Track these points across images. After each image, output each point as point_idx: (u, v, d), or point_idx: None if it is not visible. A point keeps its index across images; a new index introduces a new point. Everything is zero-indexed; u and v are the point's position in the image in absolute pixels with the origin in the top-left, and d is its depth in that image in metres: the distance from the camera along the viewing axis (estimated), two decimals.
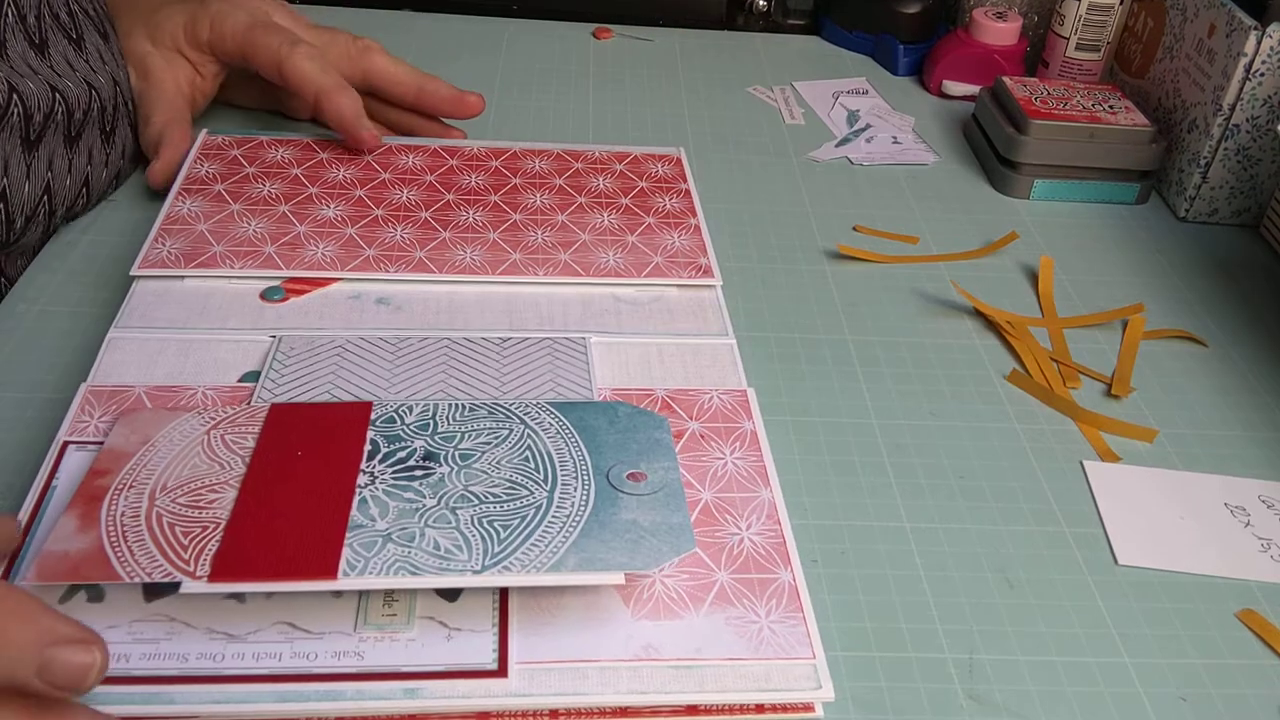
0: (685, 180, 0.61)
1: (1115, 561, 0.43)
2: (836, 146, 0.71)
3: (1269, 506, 0.46)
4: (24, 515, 0.38)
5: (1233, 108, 0.63)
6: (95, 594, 0.36)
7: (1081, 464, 0.48)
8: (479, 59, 0.78)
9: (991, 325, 0.55)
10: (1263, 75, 0.61)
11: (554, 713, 0.35)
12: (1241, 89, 0.62)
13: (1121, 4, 0.73)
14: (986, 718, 0.37)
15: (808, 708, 0.36)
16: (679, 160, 0.63)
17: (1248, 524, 0.45)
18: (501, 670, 0.35)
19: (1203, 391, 0.53)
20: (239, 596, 0.36)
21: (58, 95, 0.53)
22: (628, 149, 0.63)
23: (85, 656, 0.31)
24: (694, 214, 0.58)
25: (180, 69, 0.62)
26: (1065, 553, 0.43)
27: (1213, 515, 0.45)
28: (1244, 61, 0.61)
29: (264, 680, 0.34)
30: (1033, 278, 0.59)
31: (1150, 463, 0.48)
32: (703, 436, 0.44)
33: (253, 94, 0.68)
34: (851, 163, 0.69)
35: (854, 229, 0.62)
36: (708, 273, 0.53)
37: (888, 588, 0.41)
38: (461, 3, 0.84)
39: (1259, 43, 0.61)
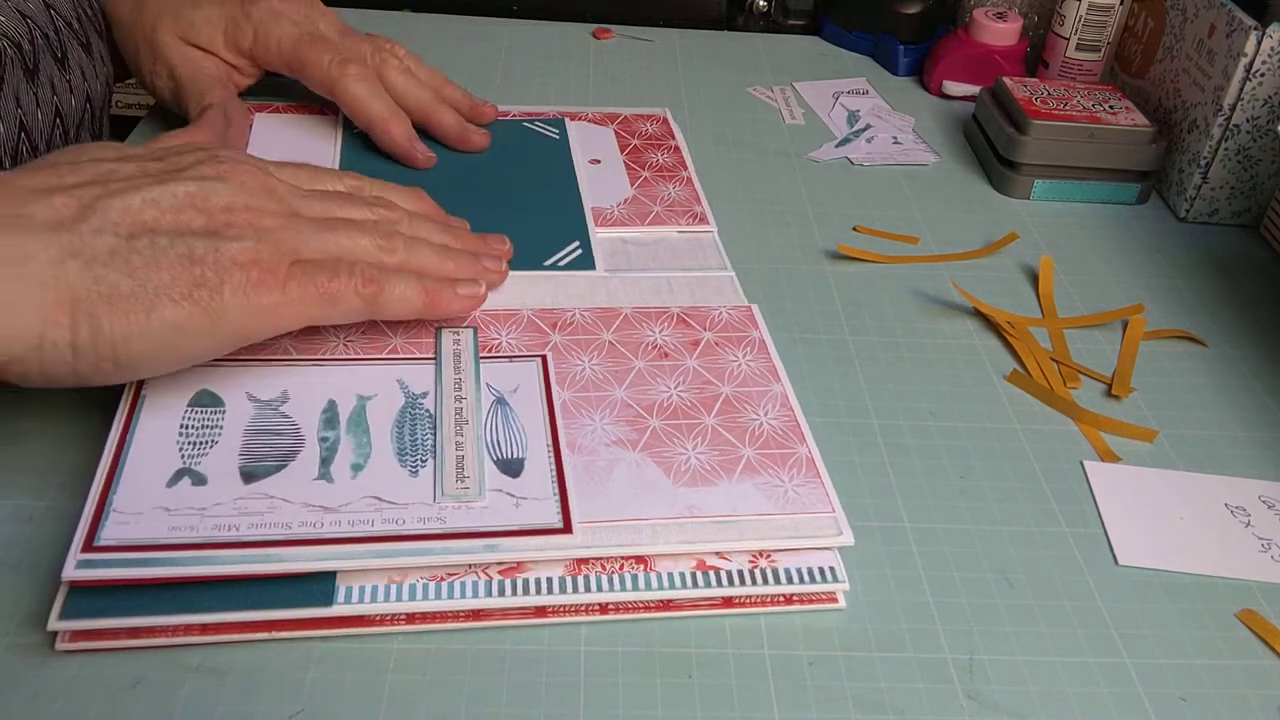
0: (674, 137, 0.66)
1: (1115, 561, 0.43)
2: (836, 146, 0.71)
3: (1269, 506, 0.46)
4: (120, 419, 0.41)
5: (1233, 108, 0.63)
6: (198, 478, 0.39)
7: (1081, 464, 0.48)
8: (479, 59, 0.78)
9: (991, 325, 0.55)
10: (1263, 75, 0.61)
11: (603, 607, 0.39)
12: (1241, 89, 0.62)
13: (1121, 4, 0.73)
14: (986, 718, 0.37)
15: (831, 598, 0.40)
16: (665, 119, 0.68)
17: (1248, 524, 0.45)
18: (567, 528, 0.39)
19: (1203, 391, 0.53)
20: (327, 475, 0.40)
21: (4, 40, 0.53)
22: (618, 110, 0.69)
23: None
24: (685, 167, 0.63)
25: (215, 64, 0.62)
26: (1065, 553, 0.43)
27: (1213, 515, 0.45)
28: (1244, 61, 0.61)
29: (361, 541, 0.38)
30: (1033, 278, 0.59)
31: (1150, 463, 0.48)
32: (717, 344, 0.49)
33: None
34: (851, 163, 0.69)
35: (854, 229, 0.62)
36: (703, 220, 0.58)
37: (888, 587, 0.41)
38: (461, 3, 0.84)
39: (1259, 43, 0.61)
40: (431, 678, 0.36)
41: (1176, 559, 0.43)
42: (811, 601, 0.40)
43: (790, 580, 0.39)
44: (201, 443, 0.41)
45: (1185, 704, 0.38)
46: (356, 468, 0.40)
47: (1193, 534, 0.44)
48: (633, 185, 0.61)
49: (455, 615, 0.38)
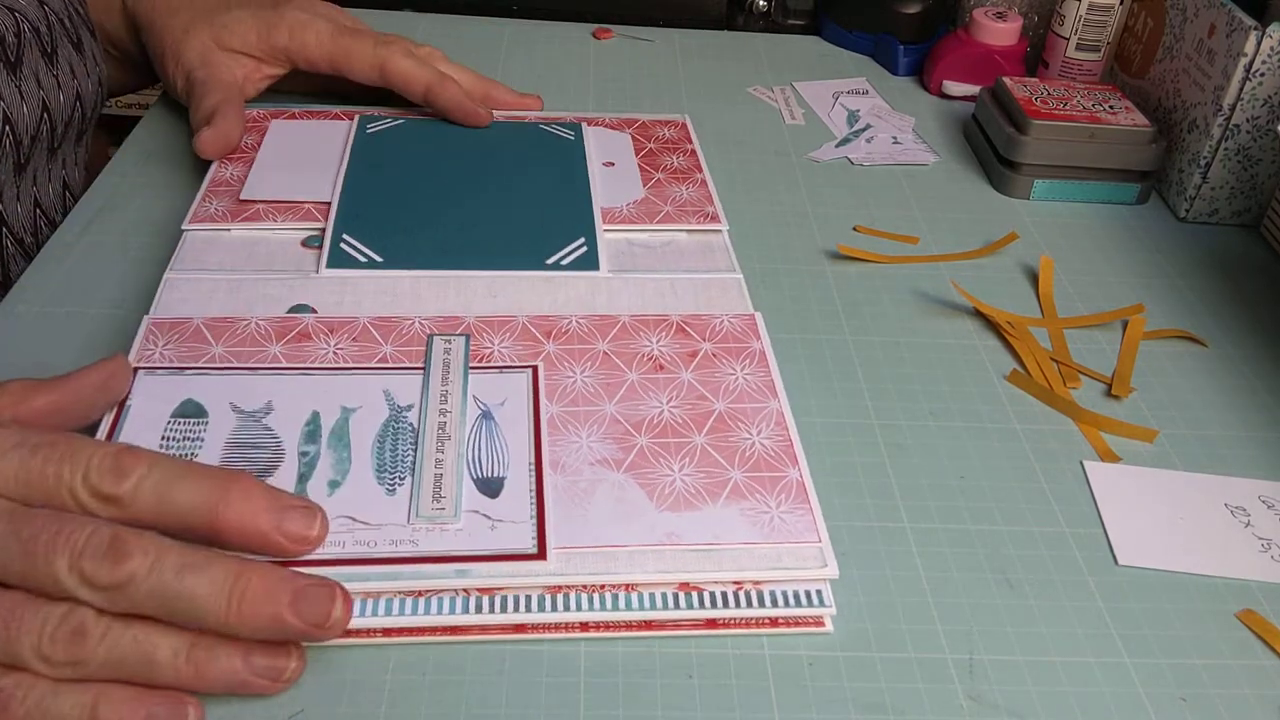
0: (690, 141, 0.66)
1: (1115, 561, 0.43)
2: (836, 147, 0.71)
3: (1269, 506, 0.46)
4: (102, 434, 0.41)
5: (1233, 108, 0.63)
6: None
7: (1081, 464, 0.48)
8: (479, 59, 0.77)
9: (991, 325, 0.55)
10: (1263, 75, 0.61)
11: (584, 625, 0.38)
12: (1241, 89, 0.62)
13: (1121, 4, 0.73)
14: (986, 718, 0.37)
15: (818, 622, 0.39)
16: (684, 125, 0.68)
17: (1248, 524, 0.45)
18: (541, 554, 0.38)
19: (1203, 391, 0.53)
20: (303, 493, 0.39)
21: None
22: (636, 115, 0.68)
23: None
24: (700, 170, 0.63)
25: (239, 66, 0.63)
26: (1065, 553, 0.43)
27: (1213, 515, 0.45)
28: (1244, 61, 0.61)
29: (330, 564, 0.37)
30: (1033, 278, 0.59)
31: (1150, 463, 0.48)
32: (715, 355, 0.48)
33: (301, 83, 0.68)
34: (851, 163, 0.69)
35: (854, 229, 0.62)
36: (715, 219, 0.58)
37: (888, 588, 0.41)
38: (462, 3, 0.84)
39: (1259, 43, 0.61)
40: (431, 678, 0.36)
41: (1176, 559, 0.43)
42: (797, 624, 0.39)
43: (775, 603, 0.38)
44: (182, 455, 0.40)
45: (1185, 704, 0.38)
46: (334, 485, 0.40)
47: (1193, 534, 0.44)
48: (645, 186, 0.60)
49: (432, 630, 0.37)
